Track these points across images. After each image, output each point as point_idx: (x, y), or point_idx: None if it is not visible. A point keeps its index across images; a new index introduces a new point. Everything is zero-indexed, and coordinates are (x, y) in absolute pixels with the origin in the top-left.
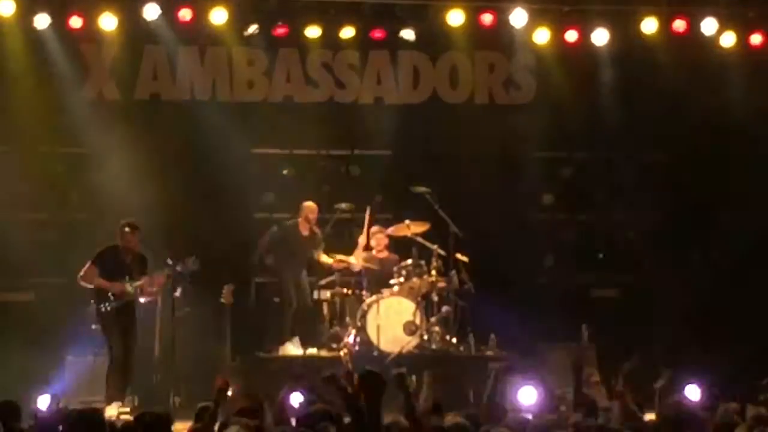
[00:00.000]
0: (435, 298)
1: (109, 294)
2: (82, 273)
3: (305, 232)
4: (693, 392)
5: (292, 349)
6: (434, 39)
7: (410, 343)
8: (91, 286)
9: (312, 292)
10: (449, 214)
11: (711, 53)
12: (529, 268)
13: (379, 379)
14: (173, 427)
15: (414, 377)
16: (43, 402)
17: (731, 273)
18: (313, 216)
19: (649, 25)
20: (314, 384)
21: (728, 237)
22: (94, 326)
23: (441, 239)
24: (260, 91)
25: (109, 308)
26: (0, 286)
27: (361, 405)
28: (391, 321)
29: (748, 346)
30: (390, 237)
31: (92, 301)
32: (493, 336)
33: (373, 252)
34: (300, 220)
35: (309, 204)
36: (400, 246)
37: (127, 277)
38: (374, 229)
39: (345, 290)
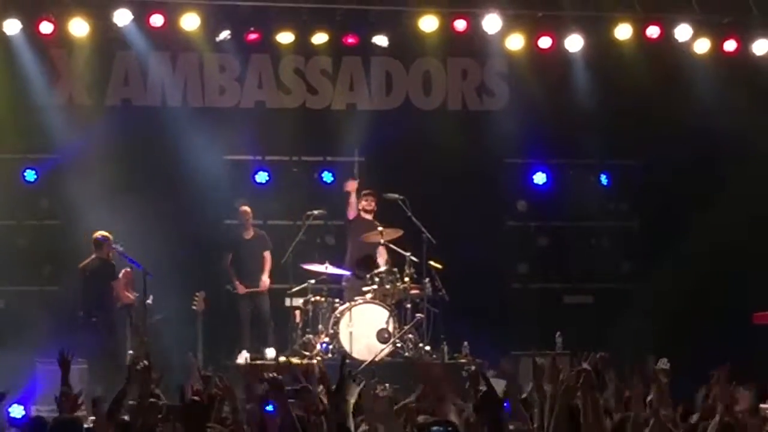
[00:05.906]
0: (408, 306)
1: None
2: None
3: (248, 236)
4: None
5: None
6: (407, 45)
7: (383, 350)
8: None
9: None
10: (422, 221)
11: (685, 59)
12: (503, 275)
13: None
14: None
15: (388, 385)
16: (16, 410)
17: (708, 278)
18: (247, 218)
19: (623, 32)
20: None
21: (704, 241)
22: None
23: (414, 246)
24: (232, 97)
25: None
26: None
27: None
28: (364, 328)
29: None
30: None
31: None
32: (466, 343)
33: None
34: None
35: (242, 208)
36: None
37: None
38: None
39: (317, 297)
